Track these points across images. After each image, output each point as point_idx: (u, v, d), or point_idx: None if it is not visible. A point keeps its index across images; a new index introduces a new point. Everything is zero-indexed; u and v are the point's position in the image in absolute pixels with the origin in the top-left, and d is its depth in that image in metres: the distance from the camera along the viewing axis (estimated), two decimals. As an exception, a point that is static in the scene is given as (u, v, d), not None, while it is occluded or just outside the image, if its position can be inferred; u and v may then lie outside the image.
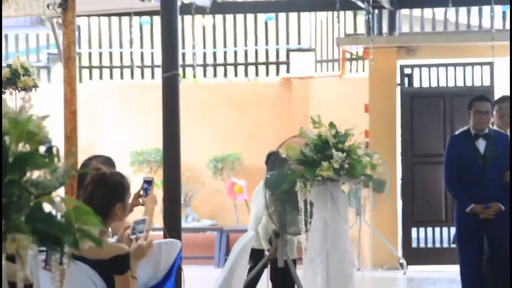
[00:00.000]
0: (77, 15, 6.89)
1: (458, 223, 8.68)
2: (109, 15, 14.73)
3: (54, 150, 2.20)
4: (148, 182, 5.77)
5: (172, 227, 8.02)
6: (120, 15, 14.87)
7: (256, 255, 9.41)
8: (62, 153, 2.28)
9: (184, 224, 12.75)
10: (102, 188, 4.72)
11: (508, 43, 13.45)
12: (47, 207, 2.14)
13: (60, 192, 2.22)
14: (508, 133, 9.40)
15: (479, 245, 8.50)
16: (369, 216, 12.03)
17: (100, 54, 15.99)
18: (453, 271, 10.49)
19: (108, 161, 6.41)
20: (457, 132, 9.26)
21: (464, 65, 13.64)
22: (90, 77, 15.98)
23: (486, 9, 14.08)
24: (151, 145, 14.56)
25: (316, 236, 6.29)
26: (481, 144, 8.56)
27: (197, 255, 13.85)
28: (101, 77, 16.02)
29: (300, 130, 6.27)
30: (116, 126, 15.11)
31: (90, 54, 15.99)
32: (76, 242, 2.00)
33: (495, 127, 9.66)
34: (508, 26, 14.42)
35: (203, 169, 14.89)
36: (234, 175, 14.48)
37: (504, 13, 14.33)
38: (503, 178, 8.49)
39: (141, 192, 5.74)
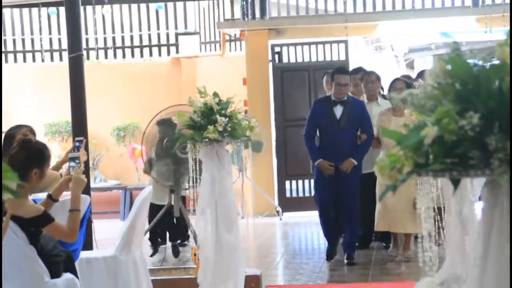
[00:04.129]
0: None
1: (317, 170, 8.78)
2: (20, 6, 14.33)
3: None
4: (79, 141, 5.65)
5: (83, 187, 7.89)
6: (30, 6, 14.49)
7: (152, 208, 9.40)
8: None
9: (93, 185, 12.58)
10: (25, 152, 4.61)
11: (359, 24, 13.69)
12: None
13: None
14: (362, 99, 9.56)
15: (331, 186, 8.63)
16: (250, 172, 12.12)
17: (14, 40, 15.61)
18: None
19: (31, 131, 6.30)
20: (320, 97, 9.33)
21: (323, 43, 13.78)
22: (6, 61, 15.58)
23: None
24: (62, 118, 14.31)
25: (206, 189, 6.28)
26: (338, 110, 8.59)
27: (105, 210, 13.70)
28: (15, 61, 15.65)
29: (189, 100, 6.22)
30: (30, 102, 14.80)
31: (5, 40, 15.58)
32: (-3, 194, 1.95)
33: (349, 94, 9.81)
34: (358, 10, 14.64)
35: (108, 137, 14.72)
36: (134, 142, 14.35)
37: (355, -1, 14.52)
38: (357, 139, 8.61)
39: (74, 150, 5.62)
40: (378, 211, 8.45)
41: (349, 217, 8.69)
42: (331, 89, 9.35)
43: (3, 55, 15.54)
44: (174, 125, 8.38)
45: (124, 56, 15.70)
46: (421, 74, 9.76)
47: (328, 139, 8.61)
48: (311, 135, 8.75)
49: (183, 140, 6.21)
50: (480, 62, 2.19)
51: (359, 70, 10.21)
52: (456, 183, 2.17)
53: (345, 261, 8.64)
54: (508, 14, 12.20)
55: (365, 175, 8.82)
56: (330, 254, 8.88)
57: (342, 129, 8.55)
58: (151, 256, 9.52)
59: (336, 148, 8.53)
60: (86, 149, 6.58)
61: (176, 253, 9.56)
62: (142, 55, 15.72)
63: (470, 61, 2.20)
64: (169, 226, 9.63)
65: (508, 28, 2.27)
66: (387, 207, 8.29)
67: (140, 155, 14.12)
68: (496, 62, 2.18)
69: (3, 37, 15.48)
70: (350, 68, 12.63)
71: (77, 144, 5.65)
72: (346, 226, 8.75)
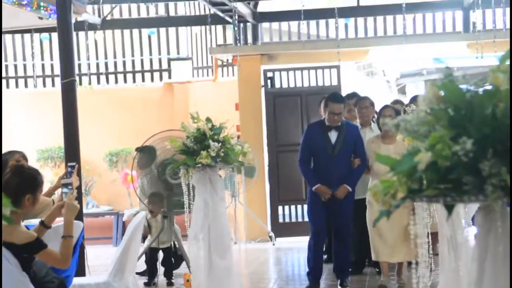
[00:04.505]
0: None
1: (309, 197, 8.63)
2: (12, 32, 14.35)
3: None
4: (72, 167, 5.66)
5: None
6: (22, 32, 14.50)
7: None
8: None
9: (85, 210, 12.54)
10: (18, 178, 4.60)
11: (351, 49, 13.74)
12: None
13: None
14: (356, 123, 9.56)
15: (324, 215, 8.51)
16: (243, 197, 12.09)
17: (6, 66, 15.61)
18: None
19: (23, 157, 6.31)
20: (313, 121, 9.16)
21: (316, 68, 13.80)
22: (-2, 87, 15.59)
23: (331, 22, 14.30)
24: (54, 143, 14.28)
25: (198, 214, 6.27)
26: (333, 135, 8.48)
27: (98, 236, 13.64)
28: (8, 86, 15.65)
29: (182, 125, 6.24)
30: (23, 128, 14.78)
31: (-3, 66, 15.59)
32: (-10, 222, 1.94)
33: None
34: (350, 35, 14.71)
35: (100, 162, 14.69)
36: (127, 167, 14.31)
37: (346, 24, 14.59)
38: (351, 163, 8.49)
39: (66, 176, 5.63)
40: (374, 241, 8.33)
41: (343, 244, 8.58)
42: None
43: (-5, 81, 15.55)
44: (154, 153, 8.41)
45: (116, 81, 15.71)
46: (414, 100, 9.78)
47: (322, 164, 8.48)
48: (307, 160, 8.59)
49: (176, 165, 6.21)
50: (473, 88, 2.20)
51: (353, 95, 10.24)
52: (450, 208, 2.17)
53: (339, 287, 8.58)
54: (500, 40, 12.26)
55: (357, 200, 8.79)
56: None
57: (337, 155, 8.43)
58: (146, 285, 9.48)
59: (330, 174, 8.40)
60: (79, 174, 6.59)
61: (169, 277, 9.52)
62: (134, 81, 15.74)
63: (463, 86, 2.21)
64: (167, 263, 9.56)
65: (500, 53, 2.28)
66: (382, 236, 8.21)
67: (132, 180, 14.13)
68: (488, 87, 2.19)
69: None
70: (343, 93, 12.68)
71: (69, 169, 5.66)
72: (340, 252, 8.62)
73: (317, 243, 8.59)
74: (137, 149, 9.21)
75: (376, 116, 10.02)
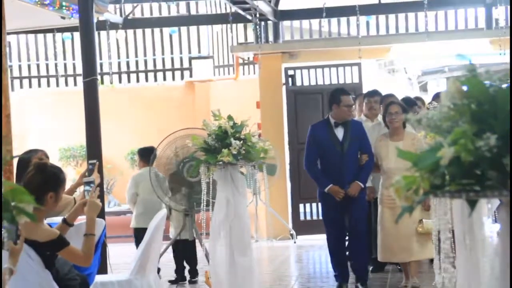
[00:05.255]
0: (7, 33, 6.72)
1: (321, 200, 8.42)
2: (35, 32, 14.44)
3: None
4: (92, 164, 5.69)
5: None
6: (44, 32, 14.59)
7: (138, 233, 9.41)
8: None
9: (107, 209, 12.61)
10: (40, 176, 4.62)
11: (372, 47, 13.70)
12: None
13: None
14: (375, 122, 9.50)
15: (340, 217, 8.30)
16: (265, 195, 12.08)
17: (29, 66, 15.72)
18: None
19: (46, 155, 6.36)
20: (316, 122, 8.81)
21: (337, 66, 13.78)
22: (21, 86, 15.70)
23: (353, 19, 14.27)
24: (77, 142, 14.35)
25: (220, 211, 6.28)
26: (339, 132, 8.27)
27: (120, 235, 13.68)
28: (30, 86, 15.76)
29: (204, 123, 6.24)
30: (45, 127, 14.87)
31: (20, 66, 15.71)
32: (14, 218, 1.95)
33: (362, 117, 9.76)
34: (372, 33, 14.68)
35: (122, 161, 14.74)
36: (148, 165, 14.34)
37: (367, 22, 14.55)
38: (360, 160, 8.27)
39: (87, 173, 5.68)
40: (384, 242, 8.11)
41: (360, 242, 8.40)
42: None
43: (18, 81, 15.65)
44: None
45: (138, 80, 15.77)
46: (436, 96, 9.71)
47: (332, 163, 8.25)
48: (313, 162, 8.37)
49: (199, 162, 6.21)
50: (496, 83, 2.18)
51: (374, 93, 10.16)
52: (472, 204, 2.15)
53: (359, 286, 8.40)
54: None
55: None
56: None
57: (346, 152, 8.22)
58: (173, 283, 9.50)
59: (342, 172, 8.19)
60: (100, 172, 6.62)
61: (193, 275, 9.53)
62: (156, 79, 15.79)
63: (486, 82, 2.19)
64: (191, 261, 9.57)
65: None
66: (393, 237, 7.99)
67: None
68: (512, 83, 2.17)
69: (18, 63, 15.61)
70: (364, 91, 12.64)
71: (90, 167, 5.70)
72: (357, 251, 8.44)
73: (339, 248, 8.40)
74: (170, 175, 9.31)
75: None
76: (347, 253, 8.57)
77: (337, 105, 8.28)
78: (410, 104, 9.35)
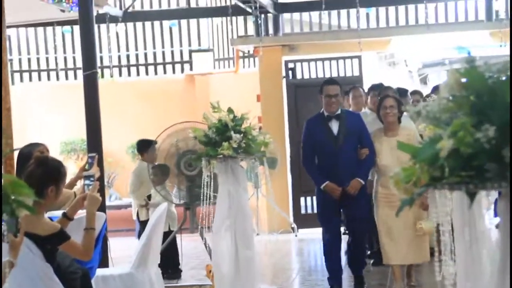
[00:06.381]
0: (7, 26, 6.72)
1: (318, 198, 8.07)
2: (34, 25, 14.43)
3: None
4: (92, 157, 5.69)
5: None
6: (44, 25, 14.58)
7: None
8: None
9: (108, 203, 12.61)
10: (41, 169, 4.61)
11: (372, 39, 13.69)
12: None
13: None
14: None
15: (336, 219, 7.99)
16: (266, 189, 12.08)
17: (29, 59, 15.71)
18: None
19: (47, 149, 6.37)
20: (311, 116, 8.33)
21: (337, 59, 13.77)
22: (21, 80, 15.70)
23: (353, 11, 14.25)
24: (77, 136, 14.36)
25: (223, 204, 6.28)
26: (334, 125, 7.86)
27: (121, 228, 13.70)
28: (30, 79, 15.75)
29: (204, 115, 6.24)
30: (45, 121, 14.87)
31: (20, 60, 15.70)
32: (13, 211, 1.95)
33: (367, 110, 9.74)
34: (372, 25, 14.66)
35: (123, 155, 14.75)
36: (149, 159, 14.35)
37: (367, 14, 14.54)
38: (359, 155, 7.84)
39: (87, 166, 5.68)
40: (384, 244, 7.72)
41: (359, 246, 8.14)
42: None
43: (18, 75, 15.65)
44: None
45: (138, 73, 15.77)
46: (435, 89, 9.70)
47: (327, 159, 7.80)
48: (310, 158, 7.90)
49: (199, 155, 6.21)
50: (495, 75, 2.18)
51: (378, 86, 10.10)
52: (472, 196, 2.16)
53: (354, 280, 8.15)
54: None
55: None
56: None
57: (341, 146, 7.79)
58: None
59: (337, 168, 7.73)
60: (100, 165, 6.62)
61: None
62: (156, 73, 15.79)
63: (485, 73, 2.19)
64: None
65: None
66: (393, 238, 7.63)
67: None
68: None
69: (18, 57, 15.60)
70: (365, 84, 12.63)
71: (89, 160, 5.70)
72: (356, 252, 8.13)
73: (333, 252, 8.04)
74: (153, 167, 9.26)
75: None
76: (344, 253, 8.42)
77: (322, 96, 7.96)
78: (402, 95, 9.32)
